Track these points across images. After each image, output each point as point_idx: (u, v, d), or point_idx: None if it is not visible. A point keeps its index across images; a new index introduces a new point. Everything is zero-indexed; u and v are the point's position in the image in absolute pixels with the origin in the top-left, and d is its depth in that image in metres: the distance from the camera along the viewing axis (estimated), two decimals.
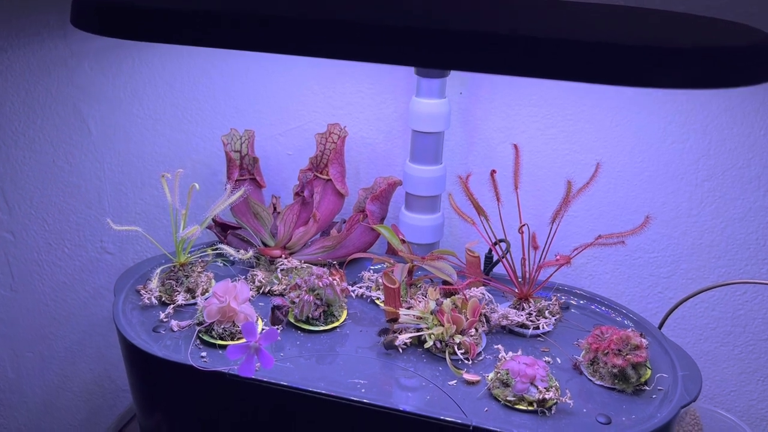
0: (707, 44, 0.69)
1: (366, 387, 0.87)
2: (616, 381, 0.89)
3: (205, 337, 0.94)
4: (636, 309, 1.21)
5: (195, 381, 0.89)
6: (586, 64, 0.67)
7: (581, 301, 1.08)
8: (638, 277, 1.20)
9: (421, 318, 0.95)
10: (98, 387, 1.53)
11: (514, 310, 1.00)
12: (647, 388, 0.89)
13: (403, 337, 0.94)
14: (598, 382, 0.90)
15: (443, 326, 0.93)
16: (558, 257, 0.93)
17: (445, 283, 1.01)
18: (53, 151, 1.38)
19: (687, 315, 1.20)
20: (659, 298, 1.20)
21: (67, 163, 1.39)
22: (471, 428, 0.80)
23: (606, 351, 0.89)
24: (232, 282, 0.96)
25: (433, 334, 0.93)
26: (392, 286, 0.98)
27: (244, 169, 1.17)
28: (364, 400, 0.83)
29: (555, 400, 0.85)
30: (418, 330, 0.95)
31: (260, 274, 1.07)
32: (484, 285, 1.04)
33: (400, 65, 1.08)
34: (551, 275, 1.03)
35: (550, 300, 1.02)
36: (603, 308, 1.07)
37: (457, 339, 0.93)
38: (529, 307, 1.00)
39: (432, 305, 0.95)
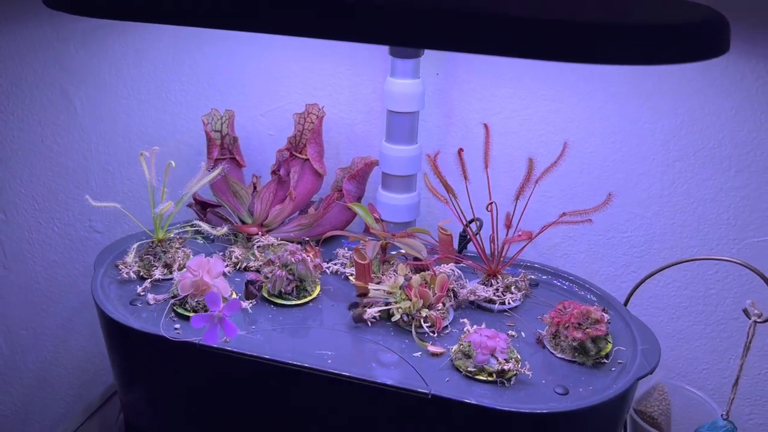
0: (657, 21, 0.71)
1: (333, 358, 0.90)
2: (576, 354, 0.91)
3: (179, 310, 0.97)
4: (609, 288, 1.23)
5: (168, 352, 0.92)
6: (536, 40, 0.69)
7: (550, 278, 1.10)
8: (612, 256, 1.22)
9: (390, 293, 0.97)
10: (90, 363, 1.57)
11: (483, 286, 1.03)
12: (606, 361, 0.91)
13: (372, 311, 0.96)
14: (559, 355, 0.92)
15: (411, 301, 0.95)
16: (520, 233, 0.95)
17: (416, 259, 1.04)
18: (41, 131, 1.41)
19: (660, 294, 1.22)
20: (633, 277, 1.22)
21: (55, 143, 1.42)
22: (429, 396, 0.82)
23: (567, 325, 0.91)
24: (206, 257, 0.98)
25: (401, 308, 0.95)
26: (362, 262, 1.00)
27: (225, 148, 1.20)
28: (328, 370, 0.85)
29: (514, 372, 0.87)
30: (387, 304, 0.97)
31: (237, 251, 1.10)
32: (455, 262, 1.07)
33: (358, 42, 1.10)
34: (519, 252, 1.05)
35: (518, 276, 1.04)
36: (570, 285, 1.09)
37: (424, 313, 0.95)
38: (497, 283, 1.03)
39: (401, 280, 0.97)
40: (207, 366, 0.92)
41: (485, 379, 0.87)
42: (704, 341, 1.23)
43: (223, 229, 1.05)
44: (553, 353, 0.93)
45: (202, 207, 1.17)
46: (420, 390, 0.83)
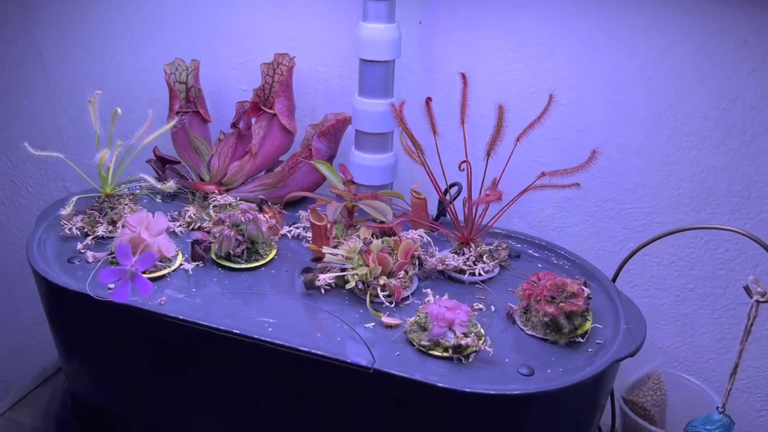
0: None
1: (275, 327, 0.81)
2: (548, 331, 0.80)
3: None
4: (605, 265, 1.11)
5: (98, 313, 0.84)
6: None
7: (534, 250, 0.99)
8: (609, 230, 1.10)
9: (348, 258, 0.88)
10: None
11: (454, 255, 0.92)
12: (582, 340, 0.80)
13: (325, 277, 0.87)
14: (529, 332, 0.82)
15: (368, 267, 0.86)
16: (488, 193, 0.84)
17: (382, 224, 0.94)
18: (14, 88, 1.35)
19: (663, 274, 1.10)
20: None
21: (27, 98, 1.35)
22: (371, 371, 0.73)
23: (538, 298, 0.80)
24: (150, 213, 0.90)
25: (357, 275, 0.85)
26: (318, 224, 0.91)
27: (191, 101, 1.11)
28: (259, 337, 0.76)
29: (474, 348, 0.77)
30: (343, 270, 0.88)
31: (192, 210, 1.01)
32: (430, 229, 0.96)
33: None
34: (496, 218, 0.94)
35: (492, 245, 0.94)
36: (556, 257, 0.98)
37: (382, 281, 0.85)
38: (469, 252, 0.92)
39: (359, 245, 0.87)
40: (138, 329, 0.84)
41: (440, 354, 0.77)
42: (711, 327, 1.11)
43: (169, 183, 0.96)
44: (523, 329, 0.82)
45: (162, 163, 1.09)
46: (362, 364, 0.73)
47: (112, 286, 0.81)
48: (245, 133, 1.02)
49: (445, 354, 0.77)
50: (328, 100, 1.16)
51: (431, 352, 0.77)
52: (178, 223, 1.00)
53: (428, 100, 0.89)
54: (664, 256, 1.09)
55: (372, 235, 0.93)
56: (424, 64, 1.09)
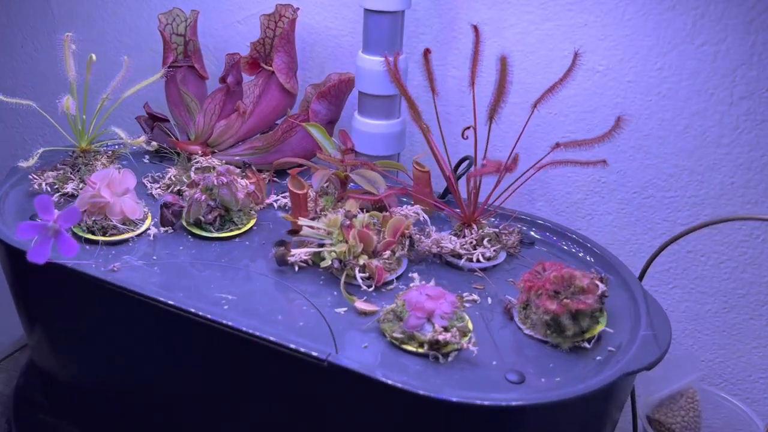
0: None
1: (232, 304, 0.71)
2: (549, 332, 0.67)
3: (75, 230, 0.80)
4: (641, 262, 0.96)
5: (45, 274, 0.75)
6: None
7: (550, 237, 0.86)
8: (648, 221, 0.95)
9: (329, 233, 0.76)
10: None
11: (452, 237, 0.80)
12: (589, 346, 0.67)
13: (299, 252, 0.76)
14: (527, 331, 0.69)
15: (347, 243, 0.74)
16: (485, 163, 0.70)
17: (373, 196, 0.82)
18: (21, 37, 1.30)
19: (709, 275, 0.94)
20: (672, 251, 0.95)
21: (34, 49, 1.30)
22: (325, 364, 0.62)
23: (539, 292, 0.67)
24: (117, 170, 0.81)
25: (335, 252, 0.74)
26: (298, 192, 0.80)
27: (188, 56, 1.02)
28: (205, 315, 0.66)
29: (455, 345, 0.65)
30: (321, 246, 0.76)
31: (173, 171, 0.92)
32: (436, 208, 0.84)
33: None
34: (505, 196, 0.81)
35: (497, 228, 0.81)
36: (576, 247, 0.84)
37: (362, 260, 0.74)
38: (471, 234, 0.79)
39: (340, 218, 0.76)
40: (88, 296, 0.75)
41: (414, 350, 0.65)
42: (763, 342, 0.94)
43: (141, 138, 0.87)
44: (520, 328, 0.69)
45: (152, 120, 1.00)
46: (314, 354, 0.62)
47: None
48: (234, 89, 0.92)
49: (420, 350, 0.65)
50: (338, 60, 1.05)
51: (404, 346, 0.66)
52: (157, 185, 0.92)
53: (426, 52, 0.76)
54: (712, 255, 0.93)
55: (362, 209, 0.82)
56: (442, 20, 0.96)
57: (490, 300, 0.74)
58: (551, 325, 0.67)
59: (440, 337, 0.64)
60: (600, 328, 0.68)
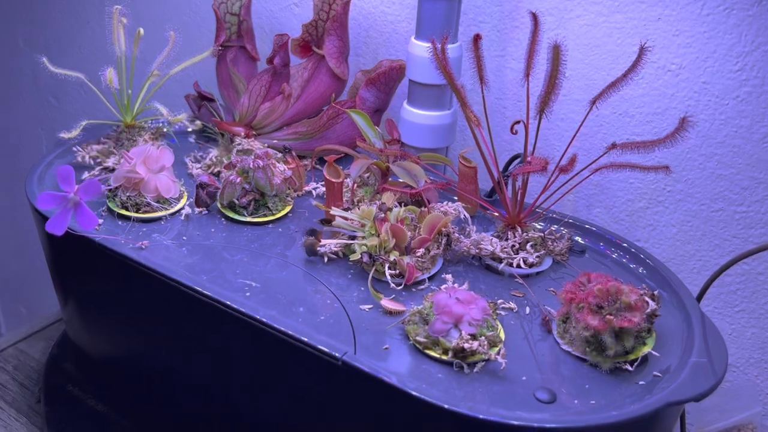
0: None
1: (254, 292, 0.68)
2: (589, 349, 0.61)
3: (110, 204, 0.79)
4: (704, 281, 0.88)
5: (75, 247, 0.75)
6: None
7: (604, 247, 0.79)
8: (716, 237, 0.87)
9: (363, 225, 0.73)
10: None
11: (494, 239, 0.74)
12: (631, 369, 0.60)
13: (329, 243, 0.73)
14: (564, 347, 0.63)
15: (379, 237, 0.70)
16: (530, 160, 0.64)
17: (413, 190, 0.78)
18: (87, 15, 1.31)
19: None
20: (742, 271, 0.86)
21: (98, 25, 1.31)
22: (340, 363, 0.58)
23: (581, 305, 0.61)
24: (155, 147, 0.80)
25: (366, 245, 0.70)
26: (333, 180, 0.77)
27: (241, 36, 1.00)
28: (223, 301, 0.63)
29: (482, 355, 0.60)
30: (353, 238, 0.73)
31: (215, 152, 0.90)
32: (481, 207, 0.79)
33: None
34: (554, 198, 0.75)
35: (543, 231, 0.75)
36: (630, 259, 0.77)
37: (392, 256, 0.70)
38: (514, 237, 0.74)
39: (375, 210, 0.72)
40: (116, 273, 0.74)
41: (438, 356, 0.61)
42: None
43: (180, 116, 0.85)
44: (558, 342, 0.64)
45: (200, 99, 0.98)
46: (329, 351, 0.58)
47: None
48: (281, 71, 0.90)
49: (444, 357, 0.60)
50: (392, 46, 1.01)
51: (428, 351, 0.61)
52: (198, 165, 0.90)
53: (476, 37, 0.71)
54: None
55: (400, 203, 0.77)
56: (503, 8, 0.90)
57: (528, 309, 0.68)
58: (591, 343, 0.61)
59: (466, 345, 0.59)
60: (646, 349, 0.61)
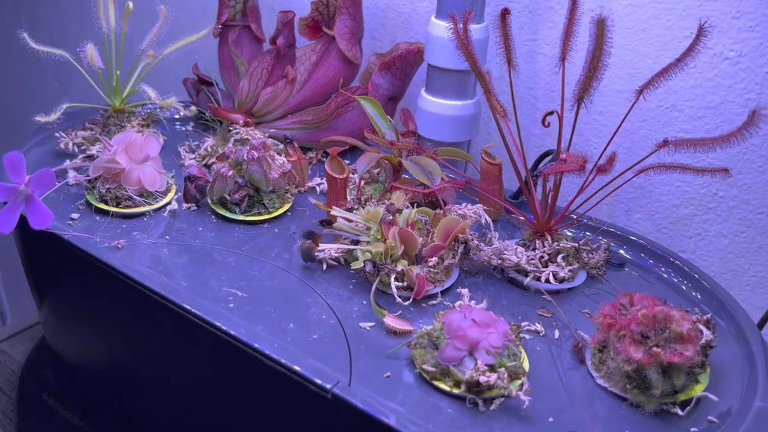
0: None
1: (239, 302, 0.59)
2: (630, 386, 0.51)
3: (89, 197, 0.71)
4: (760, 301, 0.77)
5: (44, 244, 0.67)
6: None
7: (647, 261, 0.69)
8: None
9: (368, 228, 0.63)
10: None
11: (518, 248, 0.64)
12: (682, 413, 0.50)
13: (329, 248, 0.63)
14: (600, 381, 0.53)
15: (385, 243, 0.61)
16: (565, 158, 0.54)
17: (425, 188, 0.68)
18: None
19: None
20: None
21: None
22: (329, 395, 0.48)
23: (622, 333, 0.51)
24: (141, 134, 0.71)
25: (369, 252, 0.61)
26: (335, 176, 0.67)
27: (246, 15, 0.91)
28: (200, 314, 0.54)
29: (501, 390, 0.50)
30: (356, 243, 0.63)
31: (210, 142, 0.82)
32: (506, 210, 0.69)
33: None
34: (597, 203, 0.65)
35: (578, 242, 0.64)
36: (678, 276, 0.66)
37: (400, 266, 0.60)
38: (542, 246, 0.64)
39: (381, 212, 0.62)
40: (88, 273, 0.66)
41: (448, 389, 0.51)
42: None
43: (170, 100, 0.77)
44: (592, 375, 0.54)
45: (199, 83, 0.90)
46: (318, 382, 0.49)
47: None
48: (285, 53, 0.80)
49: (456, 390, 0.51)
50: (412, 29, 0.91)
51: (436, 382, 0.51)
52: (192, 156, 0.81)
53: (504, 12, 0.61)
54: None
55: (412, 204, 0.68)
56: None
57: (557, 333, 0.58)
58: (633, 379, 0.51)
59: (482, 378, 0.49)
60: (699, 389, 0.51)
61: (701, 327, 0.52)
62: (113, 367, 0.72)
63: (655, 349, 0.49)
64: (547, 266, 0.62)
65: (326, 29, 0.86)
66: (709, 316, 0.54)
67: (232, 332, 0.53)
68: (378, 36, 0.93)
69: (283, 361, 0.50)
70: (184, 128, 0.89)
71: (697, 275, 0.65)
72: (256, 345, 0.51)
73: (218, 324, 0.53)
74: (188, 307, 0.55)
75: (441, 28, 0.76)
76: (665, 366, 0.49)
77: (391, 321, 0.57)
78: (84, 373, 0.77)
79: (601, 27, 0.54)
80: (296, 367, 0.50)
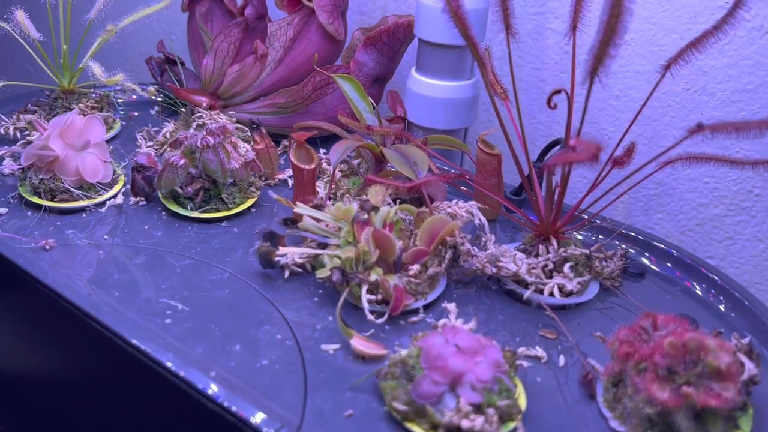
0: None
1: (177, 318, 0.49)
2: None
3: (21, 189, 0.61)
4: None
5: None
6: None
7: (672, 270, 0.58)
8: None
9: (339, 228, 0.53)
10: None
11: (518, 253, 0.54)
12: None
13: (291, 252, 0.53)
14: (614, 424, 0.42)
15: (356, 247, 0.50)
16: (575, 144, 0.43)
17: (408, 181, 0.57)
18: None
19: None
20: None
21: None
22: None
23: (643, 365, 0.41)
24: (81, 116, 0.61)
25: (339, 257, 0.51)
26: (302, 167, 0.57)
27: None
28: (115, 330, 0.45)
29: None
30: (323, 246, 0.53)
31: (170, 127, 0.72)
32: (506, 209, 0.59)
33: None
34: (612, 201, 0.54)
35: (589, 248, 0.54)
36: (708, 289, 0.56)
37: (373, 275, 0.50)
38: (546, 252, 0.53)
39: (354, 209, 0.52)
40: (7, 277, 0.56)
41: None
42: None
43: (116, 77, 0.67)
44: (605, 416, 0.43)
45: (165, 63, 0.80)
46: (257, 426, 0.39)
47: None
48: (254, 25, 0.70)
49: None
50: (404, 2, 0.80)
51: (408, 424, 0.41)
52: (150, 143, 0.71)
53: None
54: None
55: (395, 201, 0.58)
56: None
57: (562, 359, 0.48)
58: (656, 424, 0.40)
59: (464, 423, 0.39)
60: None
61: (742, 358, 0.41)
62: (37, 378, 0.62)
63: (685, 388, 0.39)
64: (551, 277, 0.52)
65: (306, 0, 0.76)
66: (748, 341, 0.44)
67: (157, 357, 0.43)
68: (366, 11, 0.83)
69: (216, 398, 0.40)
70: (142, 113, 0.79)
71: (734, 290, 0.54)
72: (182, 374, 0.41)
73: (141, 347, 0.43)
74: (108, 324, 0.45)
75: None
76: (698, 410, 0.39)
77: (358, 343, 0.47)
78: (10, 381, 0.68)
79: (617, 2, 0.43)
80: (232, 407, 0.40)
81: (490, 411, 0.40)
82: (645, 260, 0.59)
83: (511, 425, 0.41)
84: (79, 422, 0.58)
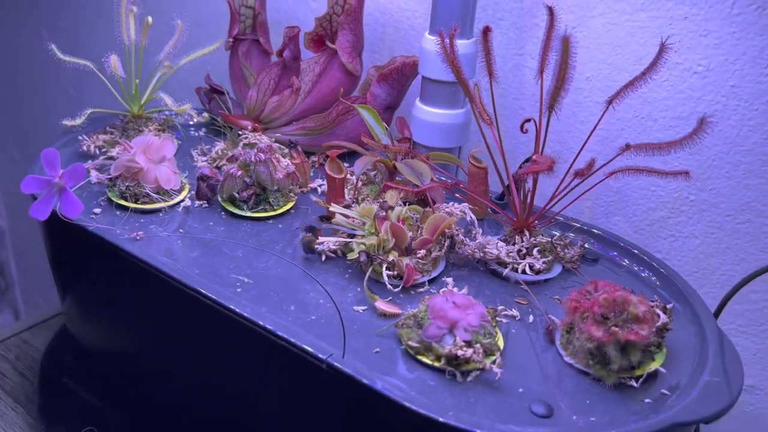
0: None
1: (245, 288, 0.65)
2: (592, 362, 0.57)
3: (110, 194, 0.78)
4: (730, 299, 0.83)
5: (68, 235, 0.73)
6: None
7: (617, 255, 0.75)
8: (741, 250, 0.82)
9: (364, 223, 0.70)
10: None
11: (499, 242, 0.71)
12: (636, 385, 0.56)
13: (328, 241, 0.70)
14: (567, 359, 0.59)
15: (378, 236, 0.67)
16: (535, 159, 0.60)
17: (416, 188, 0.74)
18: None
19: None
20: None
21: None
22: (325, 365, 0.55)
23: (585, 315, 0.57)
24: (158, 137, 0.78)
25: (364, 244, 0.67)
26: (334, 176, 0.74)
27: (256, 29, 0.98)
28: (209, 295, 0.61)
29: (477, 363, 0.56)
30: (352, 236, 0.70)
31: (221, 145, 0.88)
32: (492, 210, 0.76)
33: None
34: (563, 202, 0.71)
35: (552, 237, 0.71)
36: (644, 269, 0.73)
37: (391, 257, 0.67)
38: (521, 241, 0.70)
39: (375, 208, 0.69)
40: (110, 263, 0.72)
41: (430, 363, 0.57)
42: None
43: (184, 106, 0.84)
44: (560, 354, 0.60)
45: (211, 92, 0.97)
46: (314, 353, 0.56)
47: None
48: (291, 65, 0.87)
49: (437, 364, 0.57)
50: (409, 43, 0.98)
51: (420, 357, 0.58)
52: (204, 158, 0.88)
53: (486, 30, 0.67)
54: None
55: (405, 203, 0.74)
56: (523, 4, 0.87)
57: (532, 318, 0.65)
58: (595, 355, 0.57)
59: (459, 352, 0.55)
60: (654, 365, 0.57)
61: (658, 311, 0.58)
62: (130, 351, 0.79)
63: (613, 328, 0.55)
64: (524, 259, 0.69)
65: (329, 43, 0.93)
66: (671, 305, 0.60)
67: (240, 311, 0.59)
68: (377, 50, 1.00)
69: (285, 336, 0.57)
70: (196, 133, 0.96)
71: (659, 266, 0.71)
72: (261, 322, 0.58)
73: (227, 304, 0.60)
74: (200, 290, 0.62)
75: (432, 42, 0.83)
76: (623, 344, 0.55)
77: (381, 305, 0.63)
78: (102, 357, 0.84)
79: (566, 44, 0.61)
80: (296, 341, 0.56)
81: (477, 346, 0.57)
82: (598, 249, 0.76)
83: (492, 357, 0.57)
84: (168, 375, 0.74)
